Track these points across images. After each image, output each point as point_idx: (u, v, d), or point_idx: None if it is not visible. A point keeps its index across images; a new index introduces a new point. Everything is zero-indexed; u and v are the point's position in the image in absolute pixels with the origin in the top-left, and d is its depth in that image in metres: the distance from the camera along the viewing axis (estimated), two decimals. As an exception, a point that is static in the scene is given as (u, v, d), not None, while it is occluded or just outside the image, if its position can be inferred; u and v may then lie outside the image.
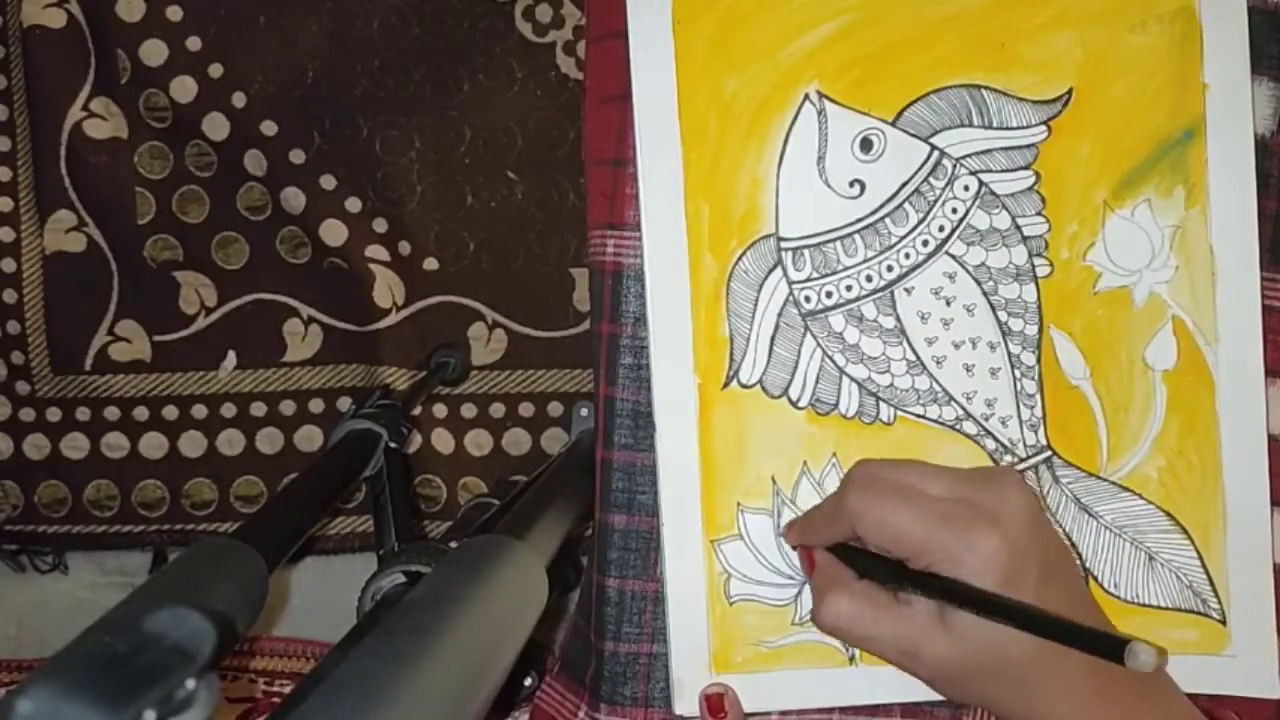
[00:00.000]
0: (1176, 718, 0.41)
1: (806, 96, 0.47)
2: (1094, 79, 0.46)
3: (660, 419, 0.46)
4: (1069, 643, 0.34)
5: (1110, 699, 0.39)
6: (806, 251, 0.47)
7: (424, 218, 0.99)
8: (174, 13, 0.98)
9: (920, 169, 0.46)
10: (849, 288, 0.47)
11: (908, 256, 0.46)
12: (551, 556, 0.49)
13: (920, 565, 0.38)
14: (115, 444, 1.02)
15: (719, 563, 0.46)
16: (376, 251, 0.99)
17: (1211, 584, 0.46)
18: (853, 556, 0.42)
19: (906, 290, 0.47)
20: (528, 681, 0.52)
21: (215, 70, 0.98)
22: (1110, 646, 0.33)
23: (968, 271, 0.46)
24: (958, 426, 0.46)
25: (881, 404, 0.47)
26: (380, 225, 0.99)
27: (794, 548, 0.46)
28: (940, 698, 0.46)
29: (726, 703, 0.45)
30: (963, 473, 0.41)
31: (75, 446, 1.02)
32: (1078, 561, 0.46)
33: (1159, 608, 0.46)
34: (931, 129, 0.46)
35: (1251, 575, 0.46)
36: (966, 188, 0.47)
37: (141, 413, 1.02)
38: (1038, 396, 0.46)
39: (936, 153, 0.46)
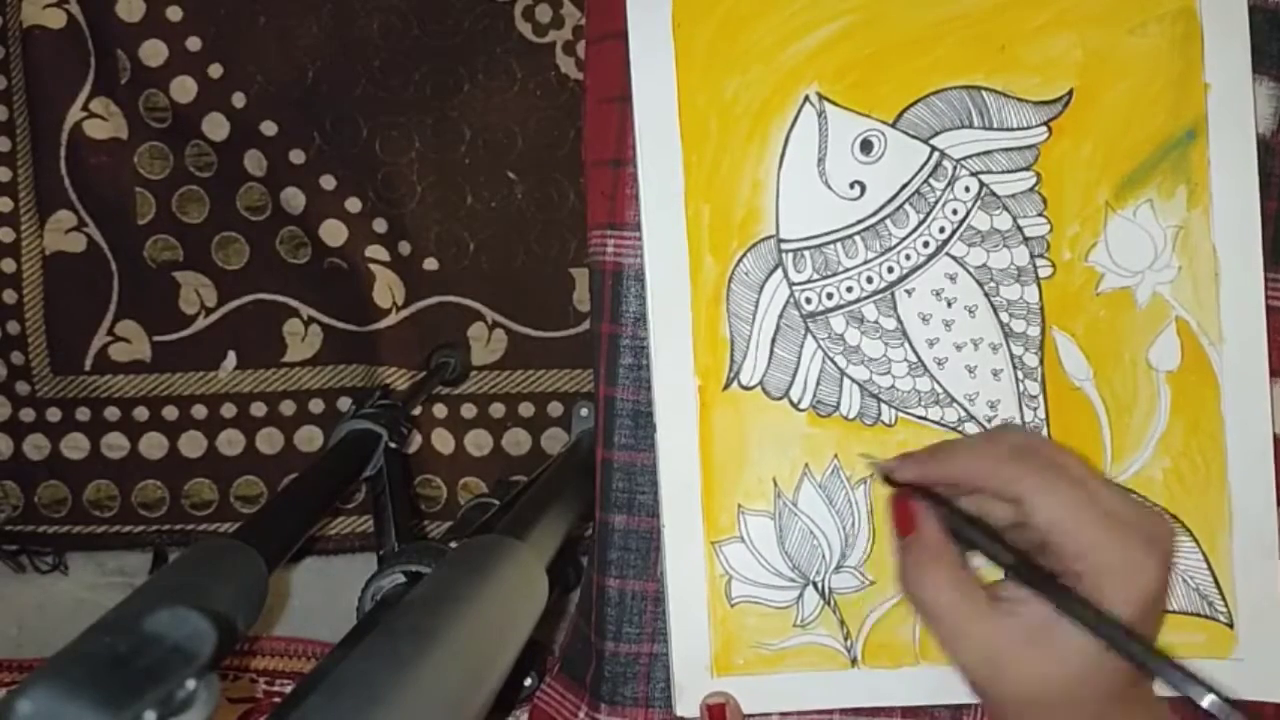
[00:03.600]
0: None
1: (807, 98, 0.46)
2: (1095, 80, 0.46)
3: (661, 420, 0.46)
4: (1176, 685, 0.33)
5: None
6: (807, 253, 0.47)
7: (424, 218, 0.99)
8: (174, 13, 0.98)
9: (921, 170, 0.46)
10: (850, 289, 0.47)
11: (908, 258, 0.46)
12: (551, 556, 0.49)
13: (1070, 566, 0.35)
14: (115, 444, 1.02)
15: (720, 564, 0.46)
16: (376, 251, 0.99)
17: (1218, 587, 0.46)
18: (971, 531, 0.38)
19: (907, 291, 0.46)
20: (528, 681, 0.52)
21: (215, 70, 0.98)
22: (1201, 691, 0.31)
23: (969, 273, 0.46)
24: (960, 428, 0.46)
25: (883, 406, 0.47)
26: (380, 225, 0.99)
27: (893, 486, 0.41)
28: (944, 700, 0.45)
29: (728, 712, 0.45)
30: (1119, 487, 0.39)
31: (75, 447, 1.02)
32: None
33: (1166, 611, 0.46)
34: (932, 130, 0.46)
35: (1258, 578, 0.45)
36: (967, 189, 0.46)
37: (141, 413, 1.02)
38: (1040, 398, 0.46)
39: (937, 154, 0.46)
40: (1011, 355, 0.46)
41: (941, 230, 0.46)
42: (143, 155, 1.00)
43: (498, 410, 1.01)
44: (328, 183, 0.99)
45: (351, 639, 0.44)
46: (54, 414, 1.02)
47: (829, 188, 0.46)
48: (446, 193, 0.99)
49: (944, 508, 0.39)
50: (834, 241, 0.46)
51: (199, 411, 1.02)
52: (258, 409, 1.02)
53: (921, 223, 0.46)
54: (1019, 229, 0.46)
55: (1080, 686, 0.35)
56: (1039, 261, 0.46)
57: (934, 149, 0.46)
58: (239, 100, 0.98)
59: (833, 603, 0.46)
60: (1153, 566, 0.35)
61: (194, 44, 0.98)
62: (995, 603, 0.37)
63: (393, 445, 0.74)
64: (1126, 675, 0.35)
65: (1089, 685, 0.35)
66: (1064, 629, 0.35)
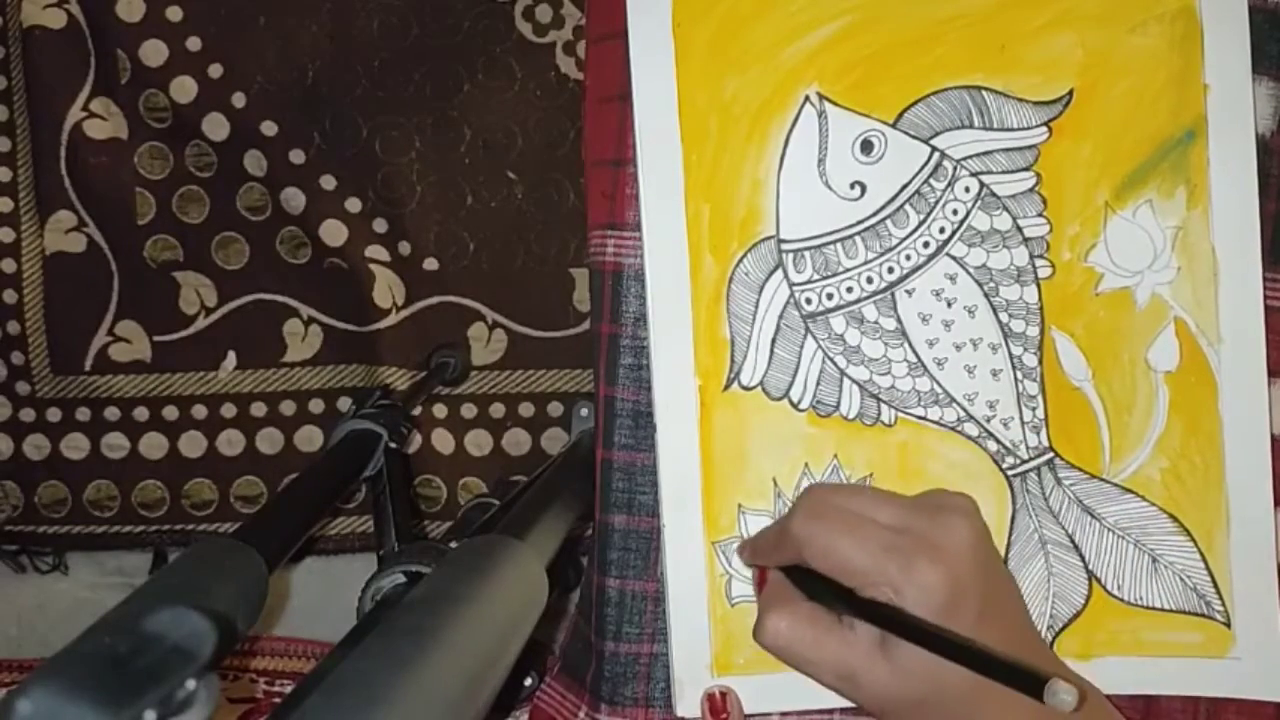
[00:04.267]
0: None
1: (807, 98, 0.47)
2: (1095, 80, 0.46)
3: (661, 421, 0.46)
4: (992, 675, 0.34)
5: None
6: (807, 253, 0.47)
7: (424, 218, 0.99)
8: (174, 13, 0.98)
9: (921, 170, 0.46)
10: (850, 289, 0.47)
11: (908, 258, 0.46)
12: (551, 556, 0.49)
13: (865, 593, 0.38)
14: (115, 444, 1.02)
15: (720, 564, 0.46)
16: (376, 252, 0.99)
17: (1215, 586, 0.46)
18: (803, 578, 0.41)
19: (907, 292, 0.46)
20: (528, 681, 0.52)
21: (215, 70, 0.98)
22: (1031, 682, 0.33)
23: (969, 273, 0.46)
24: (959, 428, 0.46)
25: (883, 406, 0.47)
26: (380, 225, 0.99)
27: (747, 566, 0.46)
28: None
29: (729, 703, 0.45)
30: (912, 501, 0.41)
31: (75, 447, 1.02)
32: (1037, 568, 0.46)
33: (1163, 610, 0.46)
34: (932, 130, 0.46)
35: (1256, 577, 0.46)
36: (967, 189, 0.46)
37: (141, 413, 1.02)
38: (1040, 398, 0.46)
39: (937, 154, 0.46)
40: (1011, 355, 0.46)
41: (941, 230, 0.46)
42: (143, 155, 1.00)
43: (498, 410, 1.01)
44: (328, 183, 0.99)
45: (351, 639, 0.44)
46: (54, 414, 1.02)
47: (829, 188, 0.46)
48: (446, 193, 0.99)
49: (786, 570, 0.42)
50: (834, 242, 0.46)
51: (199, 411, 1.02)
52: (258, 409, 1.02)
53: (922, 223, 0.46)
54: (1019, 229, 0.46)
55: (929, 688, 0.37)
56: (1038, 262, 0.46)
57: (934, 149, 0.46)
58: (239, 100, 0.98)
59: (832, 603, 0.46)
60: (927, 567, 0.37)
61: (194, 44, 0.98)
62: (839, 625, 0.39)
63: (393, 445, 0.74)
64: (971, 679, 0.36)
65: (937, 686, 0.37)
66: (896, 640, 0.37)
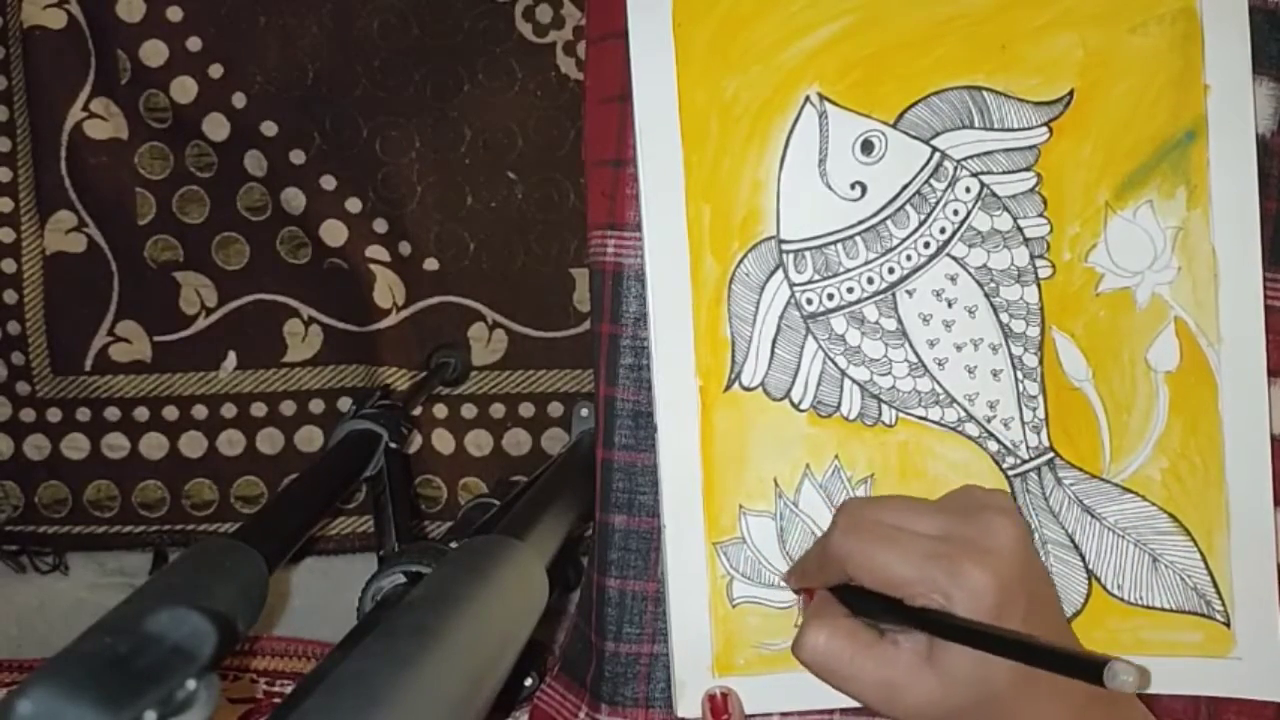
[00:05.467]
0: None
1: (807, 99, 0.46)
2: (1095, 80, 0.46)
3: (662, 421, 0.46)
4: (1052, 667, 0.34)
5: None
6: (808, 254, 0.47)
7: (424, 218, 0.99)
8: (174, 13, 0.98)
9: (921, 171, 0.46)
10: (850, 290, 0.47)
11: (909, 258, 0.46)
12: (551, 556, 0.49)
13: (915, 603, 0.38)
14: (115, 444, 1.02)
15: (721, 565, 0.46)
16: (377, 252, 0.99)
17: (1215, 586, 0.46)
18: (849, 595, 0.41)
19: (908, 292, 0.46)
20: (528, 681, 0.52)
21: (215, 70, 0.98)
22: (1091, 668, 0.33)
23: (969, 273, 0.46)
24: (960, 428, 0.46)
25: (883, 406, 0.47)
26: (380, 225, 0.99)
27: (795, 592, 0.46)
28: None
29: (730, 704, 0.45)
30: (949, 505, 0.41)
31: (75, 447, 1.02)
32: (1084, 566, 0.46)
33: (1163, 610, 0.46)
34: (933, 131, 0.46)
35: (1256, 577, 0.46)
36: (968, 189, 0.46)
37: (142, 413, 1.02)
38: (1040, 398, 0.46)
39: (938, 154, 0.46)
40: (1011, 355, 0.46)
41: (942, 231, 0.46)
42: (143, 155, 1.00)
43: (498, 410, 1.01)
44: (328, 183, 0.99)
45: (351, 639, 0.44)
46: (54, 414, 1.02)
47: (830, 188, 0.46)
48: (446, 193, 0.99)
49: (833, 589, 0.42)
50: (835, 242, 0.46)
51: (199, 411, 1.02)
52: (258, 409, 1.02)
53: (922, 223, 0.46)
54: (1019, 229, 0.46)
55: (975, 693, 0.37)
56: (1039, 262, 0.46)
57: (935, 149, 0.46)
58: (239, 100, 0.98)
59: (833, 603, 0.46)
60: (975, 572, 0.37)
61: (194, 44, 0.98)
62: (880, 640, 0.39)
63: (393, 445, 0.74)
64: (1024, 671, 0.36)
65: (983, 690, 0.37)
66: (945, 647, 0.37)
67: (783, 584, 0.46)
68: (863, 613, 0.40)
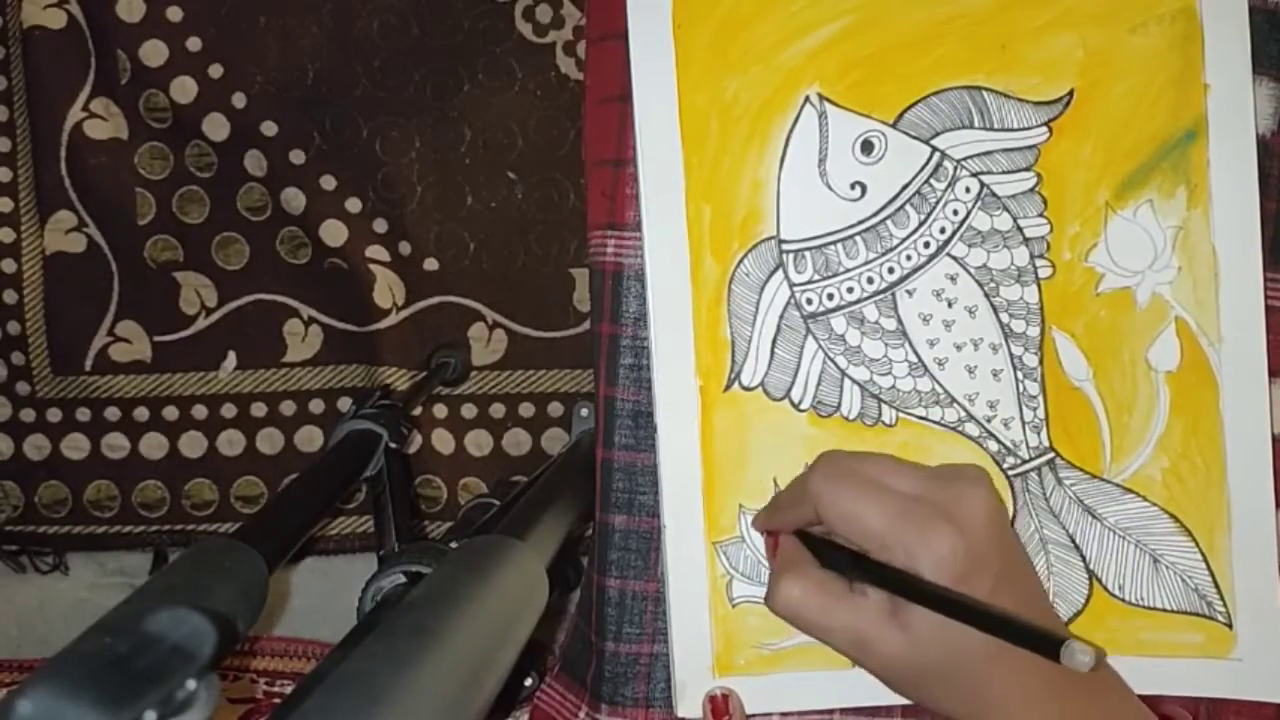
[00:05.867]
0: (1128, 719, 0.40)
1: (807, 99, 0.46)
2: (1095, 80, 0.46)
3: (662, 421, 0.46)
4: (1008, 638, 0.34)
5: (1062, 700, 0.38)
6: (808, 254, 0.47)
7: (424, 218, 0.99)
8: (174, 13, 0.98)
9: (921, 171, 0.46)
10: (850, 290, 0.47)
11: (909, 258, 0.46)
12: (551, 556, 0.49)
13: (879, 558, 0.38)
14: (115, 444, 1.02)
15: (721, 565, 0.46)
16: (377, 252, 0.99)
17: (1217, 587, 0.46)
18: (815, 544, 0.42)
19: (908, 292, 0.46)
20: (528, 681, 0.52)
21: (215, 70, 0.98)
22: (1047, 644, 0.33)
23: (969, 273, 0.46)
24: (960, 428, 0.46)
25: (883, 406, 0.47)
26: (380, 225, 0.99)
27: (761, 533, 0.46)
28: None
29: (731, 705, 0.45)
30: (929, 470, 0.41)
31: (75, 447, 1.02)
32: (1038, 567, 0.46)
33: (1164, 610, 0.46)
34: (932, 131, 0.46)
35: (1257, 577, 0.45)
36: (968, 189, 0.46)
37: (142, 413, 1.02)
38: (1040, 398, 0.46)
39: (937, 154, 0.46)
40: (1011, 355, 0.46)
41: (942, 231, 0.46)
42: (143, 155, 1.00)
43: (498, 410, 1.01)
44: (328, 183, 0.99)
45: (351, 639, 0.44)
46: (54, 414, 1.02)
47: (830, 188, 0.46)
48: (446, 193, 0.99)
49: (800, 532, 0.42)
50: (835, 242, 0.46)
51: (199, 412, 1.02)
52: (258, 409, 1.02)
53: (922, 223, 0.46)
54: (1019, 229, 0.46)
55: (940, 655, 0.37)
56: (1039, 262, 0.46)
57: (935, 149, 0.46)
58: (239, 100, 0.98)
59: (833, 603, 0.46)
60: (943, 536, 0.37)
61: (194, 44, 0.98)
62: (851, 592, 0.39)
63: (393, 445, 0.74)
64: (988, 647, 0.36)
65: (949, 653, 0.37)
66: (909, 605, 0.37)
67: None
68: (830, 564, 0.40)
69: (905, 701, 0.46)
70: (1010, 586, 0.39)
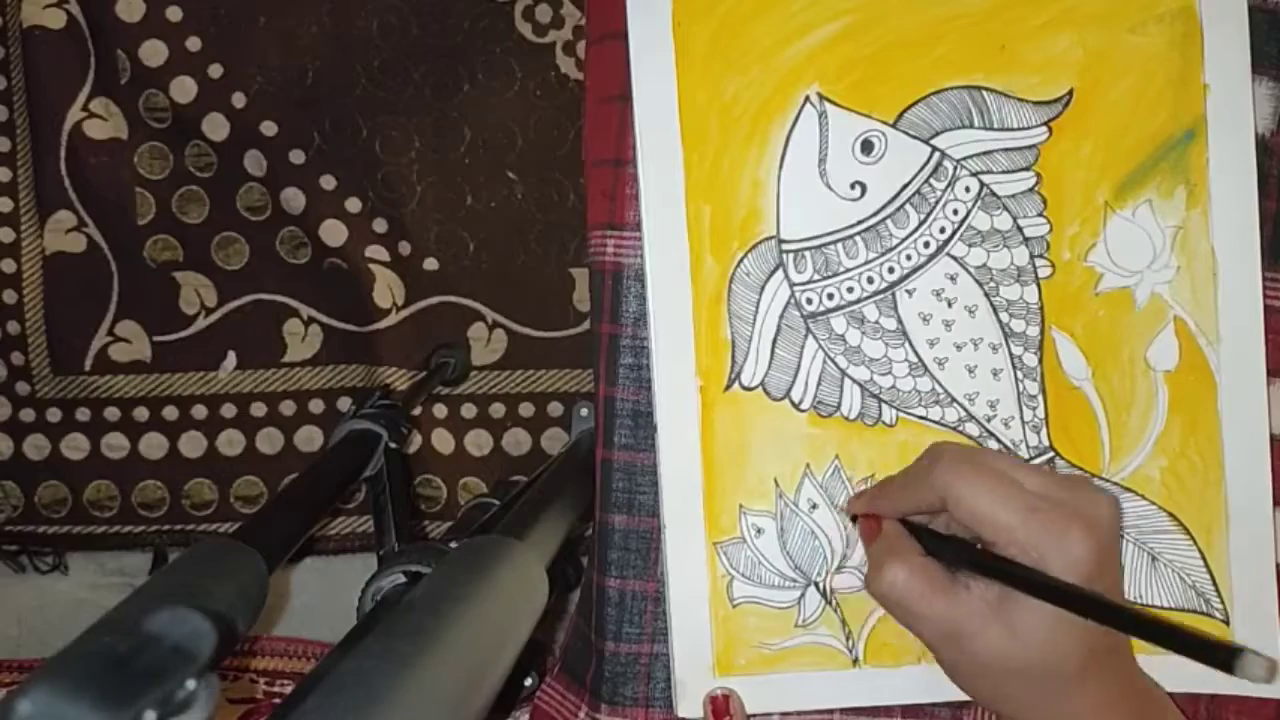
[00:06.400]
0: None
1: (807, 99, 0.46)
2: (1095, 80, 0.46)
3: (662, 422, 0.46)
4: (1174, 645, 0.33)
5: (1137, 714, 0.39)
6: (808, 253, 0.47)
7: (424, 218, 0.99)
8: (174, 13, 0.98)
9: (921, 170, 0.46)
10: (850, 289, 0.47)
11: (909, 258, 0.46)
12: (551, 556, 0.49)
13: (1003, 552, 0.38)
14: (115, 444, 1.02)
15: (721, 565, 0.46)
16: (376, 252, 0.99)
17: (1215, 585, 0.46)
18: (919, 532, 0.41)
19: (908, 292, 0.46)
20: (528, 681, 0.52)
21: (215, 70, 0.98)
22: (1222, 652, 0.31)
23: (969, 273, 0.46)
24: (960, 428, 0.46)
25: (884, 406, 0.47)
26: (380, 225, 0.99)
27: (854, 518, 0.45)
28: (946, 698, 0.46)
29: (732, 706, 0.45)
30: (1052, 473, 0.41)
31: (75, 447, 1.02)
32: None
33: (1162, 608, 0.46)
34: (932, 130, 0.46)
35: (1254, 576, 0.46)
36: (967, 189, 0.46)
37: (141, 413, 1.02)
38: (1040, 398, 0.46)
39: (937, 154, 0.46)
40: (1011, 355, 0.46)
41: (942, 230, 0.46)
42: (143, 155, 1.00)
43: (498, 410, 1.01)
44: (328, 183, 0.99)
45: (351, 639, 0.44)
46: (54, 414, 1.02)
47: (830, 188, 0.46)
48: (446, 193, 0.99)
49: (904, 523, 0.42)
50: (835, 242, 0.46)
51: (199, 411, 1.02)
52: (258, 409, 1.02)
53: (922, 223, 0.46)
54: (1019, 229, 0.46)
55: (1041, 655, 0.37)
56: (1039, 261, 0.46)
57: (934, 149, 0.46)
58: (239, 100, 0.98)
59: (834, 603, 0.46)
60: (1079, 538, 0.37)
61: (194, 44, 0.98)
62: (953, 583, 0.39)
63: (393, 445, 0.74)
64: (1091, 644, 0.37)
65: (1050, 654, 0.37)
66: (1018, 601, 0.37)
67: (783, 583, 0.46)
68: (940, 553, 0.40)
69: (905, 701, 0.46)
70: (1117, 593, 0.39)
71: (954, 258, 0.46)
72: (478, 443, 1.01)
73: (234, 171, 0.99)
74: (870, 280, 0.47)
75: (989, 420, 0.46)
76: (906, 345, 0.46)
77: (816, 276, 0.47)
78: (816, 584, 0.46)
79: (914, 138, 0.46)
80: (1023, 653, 0.37)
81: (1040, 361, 0.46)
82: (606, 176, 0.48)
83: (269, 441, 1.02)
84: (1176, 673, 0.45)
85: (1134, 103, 0.46)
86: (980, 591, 0.38)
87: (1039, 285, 0.46)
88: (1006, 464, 0.40)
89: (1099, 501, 0.38)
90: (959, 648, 0.39)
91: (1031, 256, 0.46)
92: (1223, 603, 0.46)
